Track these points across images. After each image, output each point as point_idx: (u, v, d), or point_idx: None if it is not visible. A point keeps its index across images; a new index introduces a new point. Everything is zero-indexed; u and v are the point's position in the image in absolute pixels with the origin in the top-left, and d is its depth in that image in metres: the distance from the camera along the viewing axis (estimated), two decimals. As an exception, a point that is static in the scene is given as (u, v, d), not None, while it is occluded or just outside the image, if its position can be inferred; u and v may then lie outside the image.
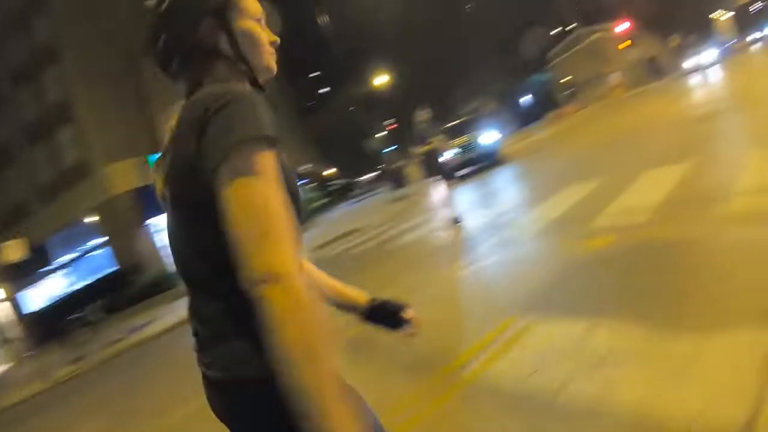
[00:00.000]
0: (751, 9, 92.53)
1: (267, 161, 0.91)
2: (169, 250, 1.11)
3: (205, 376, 1.06)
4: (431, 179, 9.73)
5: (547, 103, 51.66)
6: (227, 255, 0.89)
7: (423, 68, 49.34)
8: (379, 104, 39.06)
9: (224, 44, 1.10)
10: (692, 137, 8.59)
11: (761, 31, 49.90)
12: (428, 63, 53.08)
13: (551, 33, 54.38)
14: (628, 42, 38.88)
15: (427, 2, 56.17)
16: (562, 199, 7.56)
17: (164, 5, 1.07)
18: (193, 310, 1.06)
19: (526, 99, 60.41)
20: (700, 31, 57.75)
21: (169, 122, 1.06)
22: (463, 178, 16.79)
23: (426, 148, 9.32)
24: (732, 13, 76.92)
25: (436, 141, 9.38)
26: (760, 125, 7.66)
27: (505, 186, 13.07)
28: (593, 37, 44.42)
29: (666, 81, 36.56)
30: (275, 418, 0.91)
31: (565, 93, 48.03)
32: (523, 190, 11.65)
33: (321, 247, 14.19)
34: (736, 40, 52.35)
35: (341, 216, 25.95)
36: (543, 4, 52.93)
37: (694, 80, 26.15)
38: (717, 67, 32.89)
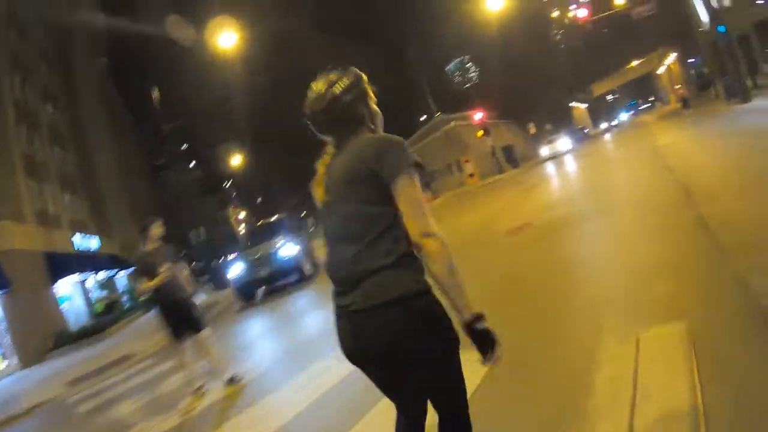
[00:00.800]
0: (607, 98, 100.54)
1: (416, 176, 1.73)
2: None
3: (360, 311, 1.70)
4: (171, 335, 5.84)
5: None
6: (387, 223, 1.70)
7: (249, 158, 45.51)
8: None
9: (366, 116, 1.93)
10: (516, 278, 6.15)
11: (614, 120, 51.56)
12: (254, 152, 49.64)
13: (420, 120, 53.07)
14: (481, 131, 37.39)
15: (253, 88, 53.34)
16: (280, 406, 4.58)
17: (338, 90, 1.86)
18: (354, 265, 1.72)
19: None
20: (558, 119, 59.28)
21: (326, 157, 1.95)
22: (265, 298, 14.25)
23: (154, 282, 5.59)
24: (586, 104, 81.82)
25: (167, 270, 5.60)
26: (611, 256, 5.56)
27: (261, 335, 9.52)
28: (450, 124, 42.97)
29: (522, 169, 35.14)
30: (428, 323, 1.69)
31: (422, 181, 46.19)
32: (274, 355, 7.23)
33: (74, 382, 11.21)
34: (589, 128, 53.52)
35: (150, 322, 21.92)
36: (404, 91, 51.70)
37: (548, 169, 25.57)
38: (572, 155, 32.81)
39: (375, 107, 1.97)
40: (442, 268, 1.65)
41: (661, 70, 71.05)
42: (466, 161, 41.03)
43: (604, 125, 52.26)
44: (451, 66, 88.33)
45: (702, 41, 42.02)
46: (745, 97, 23.30)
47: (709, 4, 24.96)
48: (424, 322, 1.67)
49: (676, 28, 47.93)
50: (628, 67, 77.66)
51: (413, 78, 49.58)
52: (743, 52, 28.91)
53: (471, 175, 40.11)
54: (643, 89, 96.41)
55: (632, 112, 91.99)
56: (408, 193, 1.68)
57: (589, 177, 16.38)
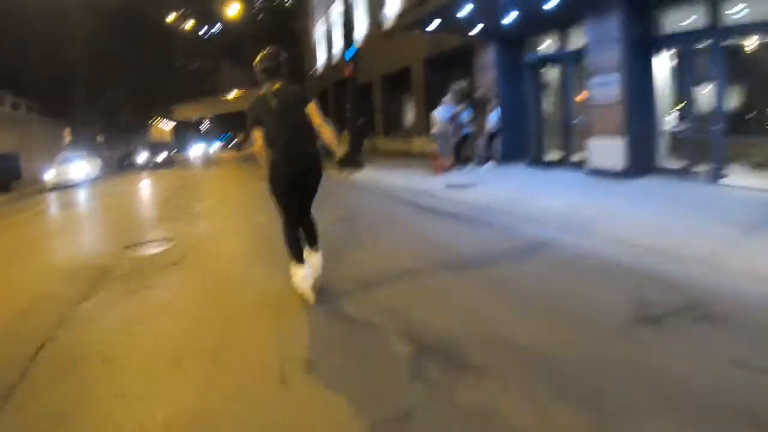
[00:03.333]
0: (201, 126, 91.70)
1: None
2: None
3: (304, 154, 4.35)
4: None
5: None
6: (310, 125, 4.38)
7: None
8: None
9: (285, 72, 4.44)
10: None
11: (166, 151, 36.98)
12: None
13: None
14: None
15: None
16: None
17: (281, 59, 4.39)
18: (300, 144, 4.32)
19: None
20: (129, 133, 46.69)
21: (270, 87, 4.34)
22: None
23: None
24: (172, 124, 71.34)
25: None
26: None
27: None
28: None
29: (13, 197, 21.99)
30: (319, 163, 4.51)
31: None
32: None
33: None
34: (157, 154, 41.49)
35: None
36: None
37: (47, 209, 15.60)
38: (88, 187, 21.76)
39: None
40: (330, 133, 4.38)
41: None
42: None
43: (161, 156, 35.61)
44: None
45: (309, 85, 36.73)
46: (356, 164, 16.14)
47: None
48: (320, 165, 4.45)
49: (290, 68, 41.53)
50: (225, 97, 71.00)
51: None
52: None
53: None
54: (241, 125, 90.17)
55: (218, 145, 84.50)
56: (315, 108, 4.31)
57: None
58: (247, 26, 57.54)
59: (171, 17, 63.27)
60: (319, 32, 35.54)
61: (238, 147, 55.46)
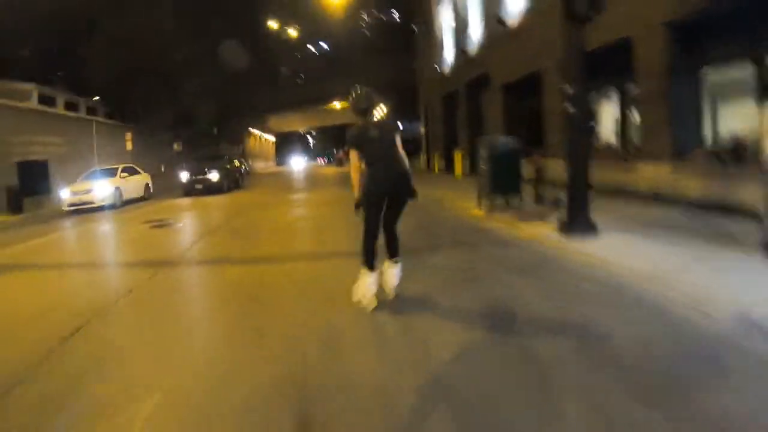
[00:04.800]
0: (309, 139, 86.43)
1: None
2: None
3: (398, 172, 4.73)
4: None
5: None
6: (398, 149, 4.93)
7: None
8: None
9: (375, 109, 5.17)
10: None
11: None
12: None
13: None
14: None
15: None
16: None
17: (373, 100, 4.89)
18: (393, 165, 4.71)
19: None
20: (230, 142, 40.63)
21: (373, 117, 4.90)
22: None
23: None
24: (274, 138, 65.84)
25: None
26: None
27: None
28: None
29: (25, 219, 15.57)
30: (410, 181, 4.87)
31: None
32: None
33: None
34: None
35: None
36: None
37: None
38: (112, 216, 15.46)
39: None
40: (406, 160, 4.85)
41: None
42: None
43: (212, 174, 21.94)
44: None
45: (429, 91, 28.82)
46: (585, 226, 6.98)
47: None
48: (410, 182, 4.77)
49: (401, 77, 34.85)
50: (329, 106, 64.38)
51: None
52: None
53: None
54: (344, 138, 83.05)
55: (320, 160, 79.30)
56: (399, 140, 4.81)
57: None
58: (357, 37, 51.45)
59: (274, 23, 58.51)
60: (445, 24, 27.48)
61: (340, 162, 50.55)
